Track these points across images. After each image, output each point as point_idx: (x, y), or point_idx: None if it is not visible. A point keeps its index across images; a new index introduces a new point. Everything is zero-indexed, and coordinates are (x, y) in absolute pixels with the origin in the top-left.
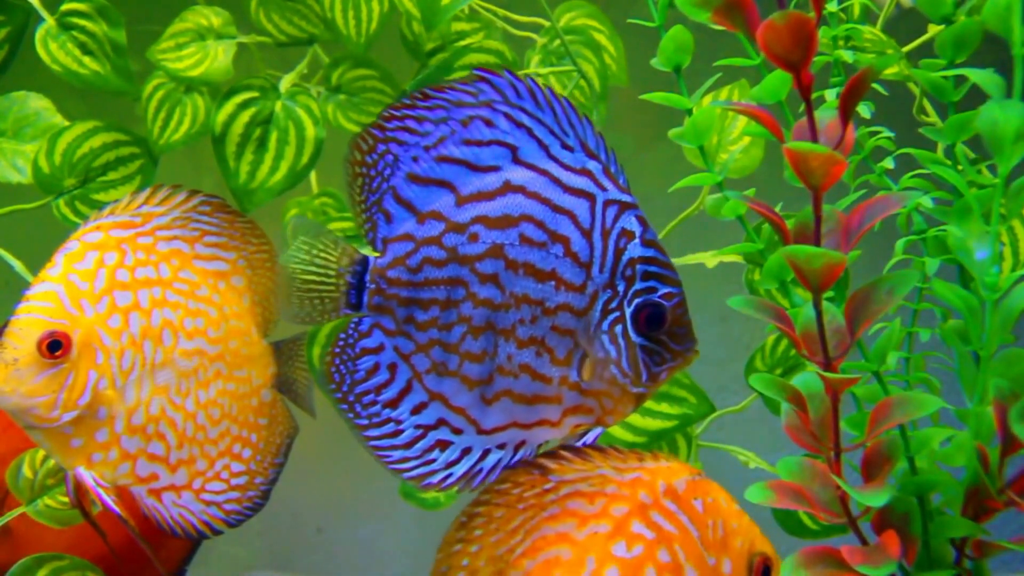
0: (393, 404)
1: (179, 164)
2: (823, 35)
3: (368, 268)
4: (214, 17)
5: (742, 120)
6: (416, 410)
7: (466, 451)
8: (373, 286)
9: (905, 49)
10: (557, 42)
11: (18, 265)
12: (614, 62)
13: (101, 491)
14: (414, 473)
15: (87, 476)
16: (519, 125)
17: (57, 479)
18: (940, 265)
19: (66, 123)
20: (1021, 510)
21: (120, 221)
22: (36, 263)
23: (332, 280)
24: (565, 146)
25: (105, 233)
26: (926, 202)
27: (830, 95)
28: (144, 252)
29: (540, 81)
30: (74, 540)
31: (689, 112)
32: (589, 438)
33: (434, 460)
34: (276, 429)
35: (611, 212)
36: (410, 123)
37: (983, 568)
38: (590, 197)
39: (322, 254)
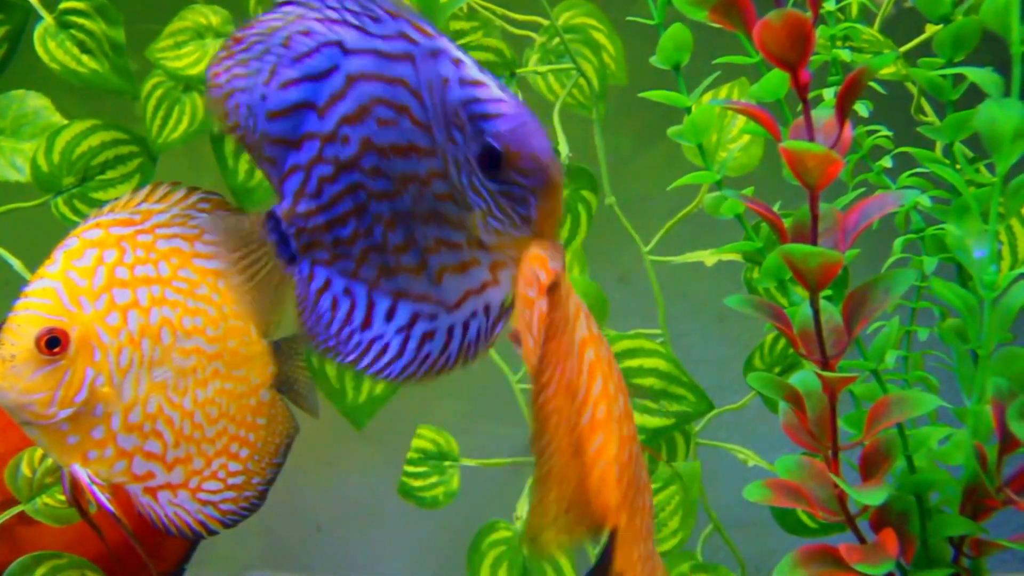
0: (367, 323)
1: (178, 163)
2: (821, 34)
3: (279, 217)
4: (213, 16)
5: (741, 118)
6: (389, 316)
7: (450, 331)
8: (293, 229)
9: (903, 48)
10: (556, 41)
11: (17, 264)
12: (613, 61)
13: (96, 489)
14: (420, 374)
15: (82, 473)
16: (333, 21)
17: (56, 477)
18: (938, 264)
19: (65, 122)
20: (1019, 508)
21: (120, 219)
22: (35, 262)
23: (258, 251)
24: (374, 19)
25: (104, 230)
26: (924, 201)
27: (828, 94)
28: (144, 250)
29: None
30: (75, 538)
31: (688, 110)
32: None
33: (429, 354)
34: (275, 429)
35: (428, 65)
36: (238, 70)
37: (981, 566)
38: (410, 57)
39: (236, 239)
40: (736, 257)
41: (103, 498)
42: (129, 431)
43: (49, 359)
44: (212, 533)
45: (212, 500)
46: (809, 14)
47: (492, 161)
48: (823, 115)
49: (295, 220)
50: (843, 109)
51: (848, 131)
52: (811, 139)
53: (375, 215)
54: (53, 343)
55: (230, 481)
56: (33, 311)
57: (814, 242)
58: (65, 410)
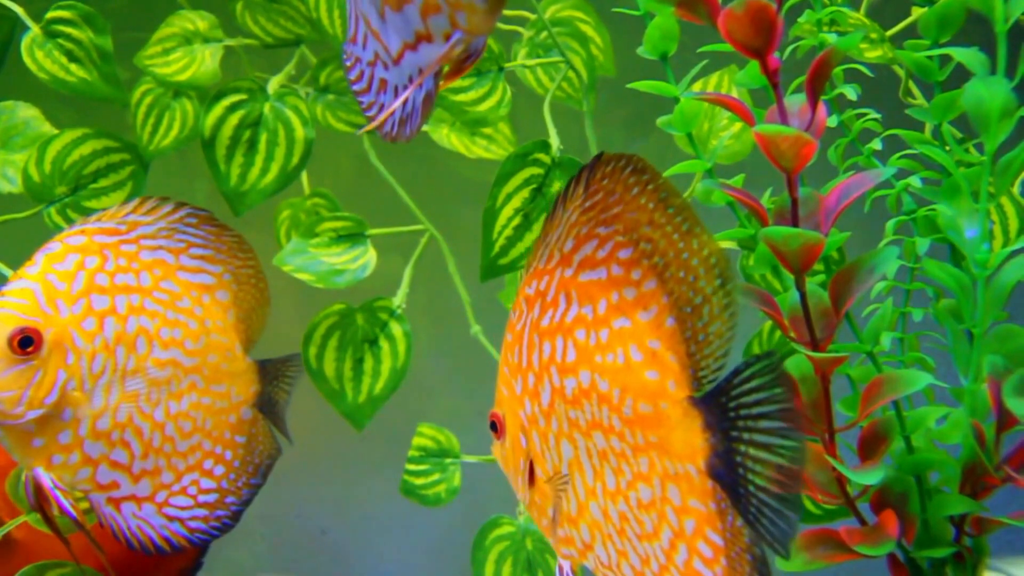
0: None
1: (171, 169)
2: (808, 19)
3: None
4: (200, 21)
5: None
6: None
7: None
8: None
9: (890, 32)
10: (544, 34)
11: (11, 275)
12: (601, 52)
13: (59, 494)
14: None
15: (45, 478)
16: None
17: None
18: (931, 244)
19: (55, 131)
20: (1019, 486)
21: (105, 228)
22: None
23: None
24: None
25: (88, 237)
26: (915, 182)
27: None
28: (126, 259)
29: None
30: (87, 547)
31: (677, 100)
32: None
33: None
34: (255, 449)
35: None
36: None
37: (982, 545)
38: None
39: None
40: (732, 245)
41: (66, 504)
42: (96, 438)
43: (21, 358)
44: (176, 550)
45: (180, 516)
46: (773, 3)
47: None
48: (798, 100)
49: None
50: (814, 92)
51: (822, 113)
52: (784, 123)
53: None
54: (26, 343)
55: (201, 498)
56: (8, 310)
57: (795, 224)
58: (33, 411)
